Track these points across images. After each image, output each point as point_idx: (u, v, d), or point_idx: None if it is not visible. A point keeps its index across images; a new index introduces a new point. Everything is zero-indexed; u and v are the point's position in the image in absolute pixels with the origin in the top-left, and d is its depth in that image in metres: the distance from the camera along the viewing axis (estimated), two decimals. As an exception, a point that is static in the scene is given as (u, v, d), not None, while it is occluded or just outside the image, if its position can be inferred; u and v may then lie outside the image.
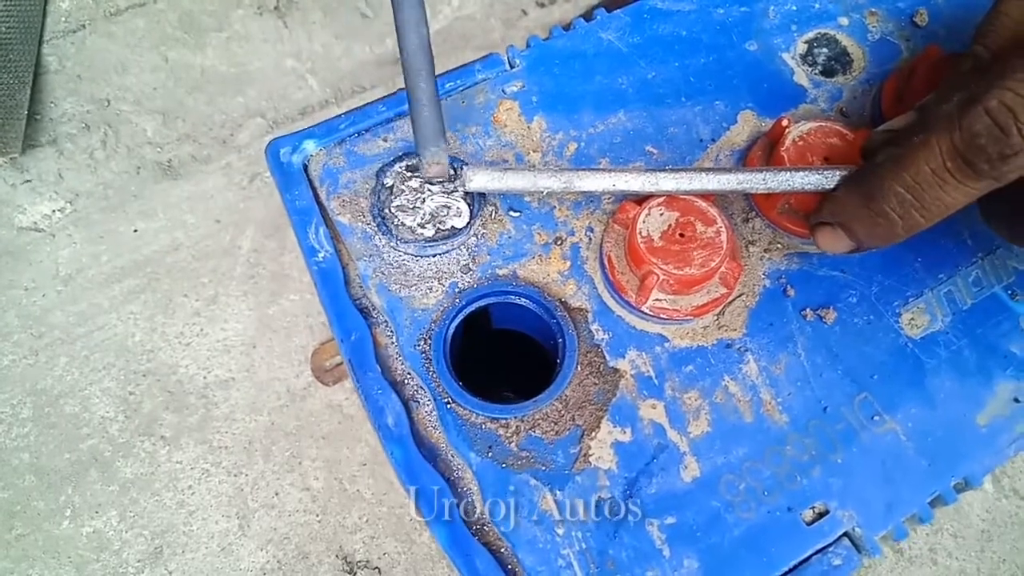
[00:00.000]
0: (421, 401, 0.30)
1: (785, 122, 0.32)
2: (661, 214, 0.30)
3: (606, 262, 0.31)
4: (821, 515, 0.28)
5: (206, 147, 0.71)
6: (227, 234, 0.68)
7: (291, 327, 0.65)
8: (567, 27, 0.38)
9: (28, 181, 0.68)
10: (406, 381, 0.30)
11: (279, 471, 0.60)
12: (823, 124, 0.32)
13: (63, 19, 0.73)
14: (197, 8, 0.75)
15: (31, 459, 0.60)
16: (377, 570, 0.57)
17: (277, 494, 0.59)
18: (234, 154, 0.71)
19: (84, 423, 0.61)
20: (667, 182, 0.29)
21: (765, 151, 0.33)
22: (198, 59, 0.73)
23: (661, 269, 0.29)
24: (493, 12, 0.79)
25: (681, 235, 0.30)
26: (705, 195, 0.31)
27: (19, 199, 0.68)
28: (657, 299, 0.30)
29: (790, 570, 0.28)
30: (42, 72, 0.70)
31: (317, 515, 0.59)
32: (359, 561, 0.57)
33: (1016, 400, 0.31)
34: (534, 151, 0.34)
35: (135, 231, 0.68)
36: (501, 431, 0.29)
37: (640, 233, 0.30)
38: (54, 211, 0.68)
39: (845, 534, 0.28)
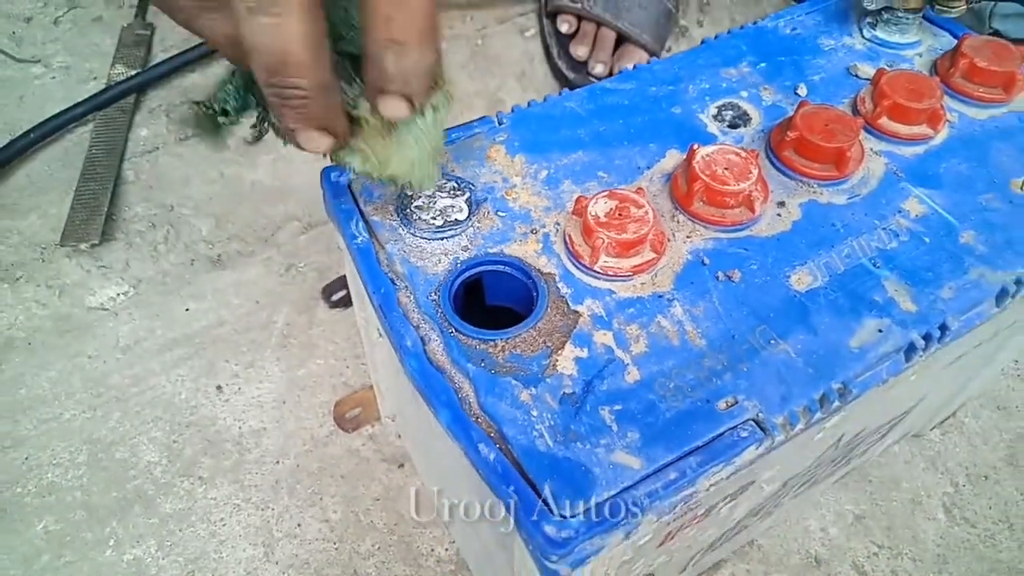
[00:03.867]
0: (432, 338, 0.40)
1: (696, 146, 0.45)
2: (605, 202, 0.42)
3: (567, 240, 0.43)
4: (732, 405, 0.37)
5: (251, 244, 0.85)
6: (265, 312, 0.80)
7: (316, 386, 0.75)
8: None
9: (101, 268, 0.81)
10: (420, 325, 0.41)
11: (302, 505, 0.67)
12: (723, 146, 0.45)
13: (142, 143, 0.89)
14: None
15: (83, 497, 0.68)
16: (387, 589, 0.63)
17: (299, 525, 0.66)
18: (274, 249, 0.84)
19: (132, 466, 0.69)
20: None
21: (684, 168, 0.46)
22: (249, 175, 0.89)
23: (606, 236, 0.41)
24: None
25: (620, 214, 0.41)
26: (637, 190, 0.43)
27: (91, 283, 0.80)
28: (605, 261, 0.41)
29: (709, 441, 0.36)
30: (121, 183, 0.86)
31: (334, 543, 0.65)
32: (371, 583, 0.63)
33: (880, 331, 0.40)
34: (515, 175, 0.47)
35: (187, 310, 0.80)
36: (491, 349, 0.39)
37: (590, 214, 0.41)
38: (119, 294, 0.80)
39: (751, 419, 0.37)
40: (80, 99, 0.90)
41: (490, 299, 0.46)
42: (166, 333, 0.78)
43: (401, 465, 0.70)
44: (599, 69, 0.92)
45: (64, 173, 0.87)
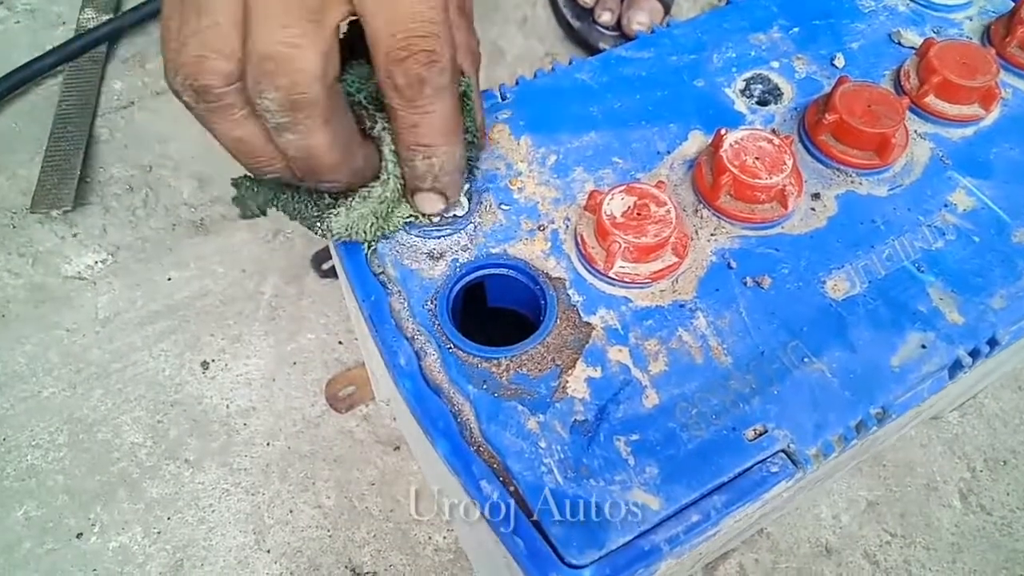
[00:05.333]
0: (428, 352, 0.36)
1: (723, 131, 0.40)
2: (622, 199, 0.37)
3: (579, 240, 0.38)
4: (761, 434, 0.34)
5: (235, 208, 0.80)
6: (251, 282, 0.75)
7: (307, 362, 0.71)
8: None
9: (76, 235, 0.76)
10: (415, 337, 0.37)
11: (294, 490, 0.65)
12: (754, 131, 0.40)
13: (115, 97, 0.83)
14: (232, 89, 0.86)
15: (65, 480, 0.65)
16: (383, 580, 0.61)
17: (291, 511, 0.64)
18: (260, 213, 0.79)
19: (115, 448, 0.66)
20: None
21: (709, 156, 0.41)
22: (231, 132, 0.83)
23: (623, 239, 0.36)
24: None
25: (638, 214, 0.37)
26: (658, 184, 0.38)
27: (67, 251, 0.75)
28: (621, 266, 0.37)
29: (735, 476, 0.33)
30: (94, 142, 0.80)
31: (328, 530, 0.63)
32: (367, 573, 0.61)
33: (923, 347, 0.37)
34: (521, 161, 0.42)
35: (169, 279, 0.75)
36: (493, 369, 0.35)
37: (605, 212, 0.37)
38: (96, 262, 0.76)
39: (781, 450, 0.34)
40: (48, 48, 0.83)
41: (492, 300, 0.42)
42: (147, 304, 0.74)
43: (397, 448, 0.67)
44: (606, 17, 0.86)
45: (33, 130, 0.81)
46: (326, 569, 0.61)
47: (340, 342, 0.72)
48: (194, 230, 0.78)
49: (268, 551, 0.62)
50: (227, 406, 0.69)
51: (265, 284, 0.75)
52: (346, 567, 0.61)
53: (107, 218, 0.77)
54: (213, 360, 0.71)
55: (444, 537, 0.63)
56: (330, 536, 0.63)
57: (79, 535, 0.62)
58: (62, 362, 0.70)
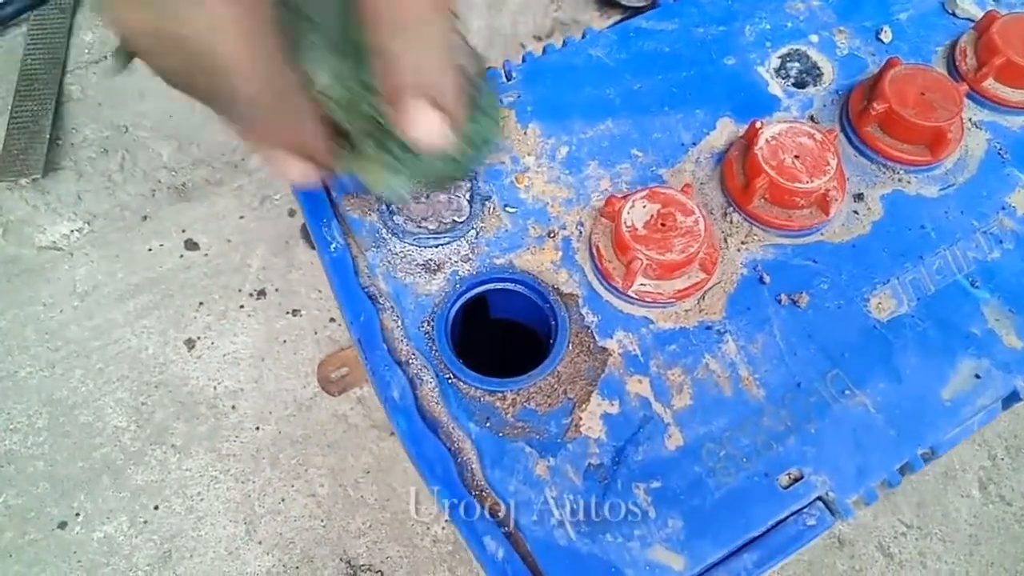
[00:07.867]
0: (424, 379, 0.32)
1: (759, 124, 0.35)
2: (644, 206, 0.33)
3: (595, 251, 0.34)
4: (796, 480, 0.30)
5: (219, 171, 0.75)
6: (238, 253, 0.71)
7: (298, 340, 0.67)
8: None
9: (48, 203, 0.71)
10: (410, 361, 0.33)
11: (286, 478, 0.62)
12: (793, 125, 0.35)
13: (86, 51, 0.77)
14: (212, 41, 0.79)
15: (45, 467, 0.62)
16: (380, 573, 0.58)
17: (283, 500, 0.61)
18: (245, 177, 0.74)
19: (98, 432, 0.63)
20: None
21: (741, 152, 0.36)
22: (212, 88, 0.77)
23: (644, 255, 0.32)
24: (493, 46, 0.83)
25: (663, 225, 0.33)
26: (684, 187, 0.34)
27: (40, 219, 0.71)
28: (642, 283, 0.33)
29: (768, 530, 0.30)
30: (65, 100, 0.74)
31: (322, 520, 0.60)
32: (362, 565, 0.59)
33: (977, 376, 0.33)
34: (528, 154, 0.37)
35: (149, 250, 0.71)
36: (498, 403, 0.31)
37: (625, 223, 0.33)
38: (72, 231, 0.71)
39: (819, 498, 0.30)
40: (10, -8, 0.77)
41: (495, 311, 0.38)
42: (127, 277, 0.70)
43: (393, 433, 0.64)
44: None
45: (-3, 87, 0.75)
46: (320, 561, 0.59)
47: (332, 319, 0.68)
48: (175, 196, 0.73)
49: (260, 542, 0.60)
50: (214, 387, 0.65)
51: (252, 255, 0.71)
52: (341, 559, 0.59)
53: (81, 184, 0.72)
54: (199, 338, 0.67)
55: (442, 528, 0.60)
56: (324, 526, 0.60)
57: (62, 524, 0.60)
58: (39, 340, 0.67)
